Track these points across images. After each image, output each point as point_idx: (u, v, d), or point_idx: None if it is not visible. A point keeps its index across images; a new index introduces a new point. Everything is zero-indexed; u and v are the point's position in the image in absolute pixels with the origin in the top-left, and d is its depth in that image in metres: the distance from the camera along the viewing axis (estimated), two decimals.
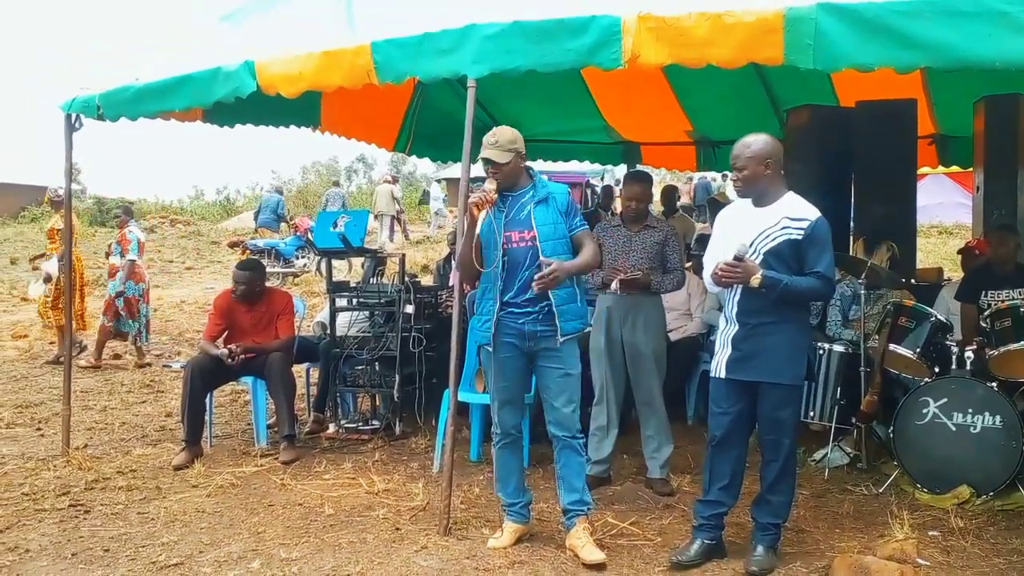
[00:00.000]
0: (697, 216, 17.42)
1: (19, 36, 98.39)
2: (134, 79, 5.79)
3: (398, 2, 5.84)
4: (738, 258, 4.01)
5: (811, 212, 4.07)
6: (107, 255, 10.56)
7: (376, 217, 22.25)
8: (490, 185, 4.27)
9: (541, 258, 4.23)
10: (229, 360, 6.12)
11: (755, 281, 3.97)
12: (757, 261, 4.04)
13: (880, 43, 3.90)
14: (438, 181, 28.66)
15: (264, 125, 7.28)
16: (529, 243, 4.31)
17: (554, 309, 4.28)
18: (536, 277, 4.17)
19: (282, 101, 5.34)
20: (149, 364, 9.79)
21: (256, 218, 21.99)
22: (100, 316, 9.73)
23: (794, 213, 4.06)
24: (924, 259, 13.66)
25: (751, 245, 4.06)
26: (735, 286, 4.11)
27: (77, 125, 6.13)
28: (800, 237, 4.02)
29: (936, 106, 8.37)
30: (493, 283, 4.36)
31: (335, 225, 6.86)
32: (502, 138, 4.30)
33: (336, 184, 29.88)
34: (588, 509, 4.42)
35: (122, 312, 9.57)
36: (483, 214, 4.23)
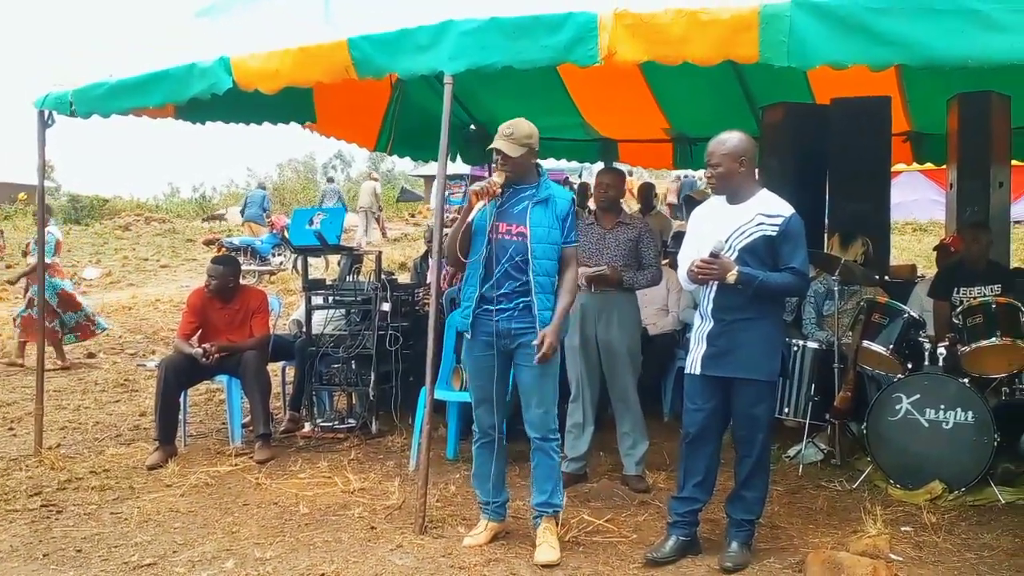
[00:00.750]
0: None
1: None
2: (108, 75, 5.74)
3: None
4: (714, 255, 4.03)
5: (785, 208, 4.09)
6: (24, 254, 10.29)
7: (359, 213, 22.59)
8: (498, 178, 4.24)
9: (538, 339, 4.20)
10: (204, 360, 6.07)
11: (731, 277, 3.99)
12: (732, 258, 4.05)
13: (854, 40, 3.92)
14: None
15: (247, 123, 7.21)
16: (517, 238, 4.24)
17: (534, 311, 4.24)
18: (536, 360, 4.17)
19: (267, 97, 5.31)
20: (68, 368, 9.55)
21: (242, 213, 22.09)
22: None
23: (768, 210, 4.08)
24: (899, 256, 13.79)
25: (726, 242, 4.08)
26: (710, 283, 4.13)
27: (50, 122, 6.06)
28: (775, 233, 4.04)
29: (911, 103, 8.43)
30: (475, 270, 4.33)
31: (311, 223, 6.83)
32: (518, 131, 4.26)
33: (330, 180, 29.84)
34: (554, 511, 4.39)
35: (58, 310, 9.41)
36: (480, 204, 4.20)
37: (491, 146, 4.31)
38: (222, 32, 6.03)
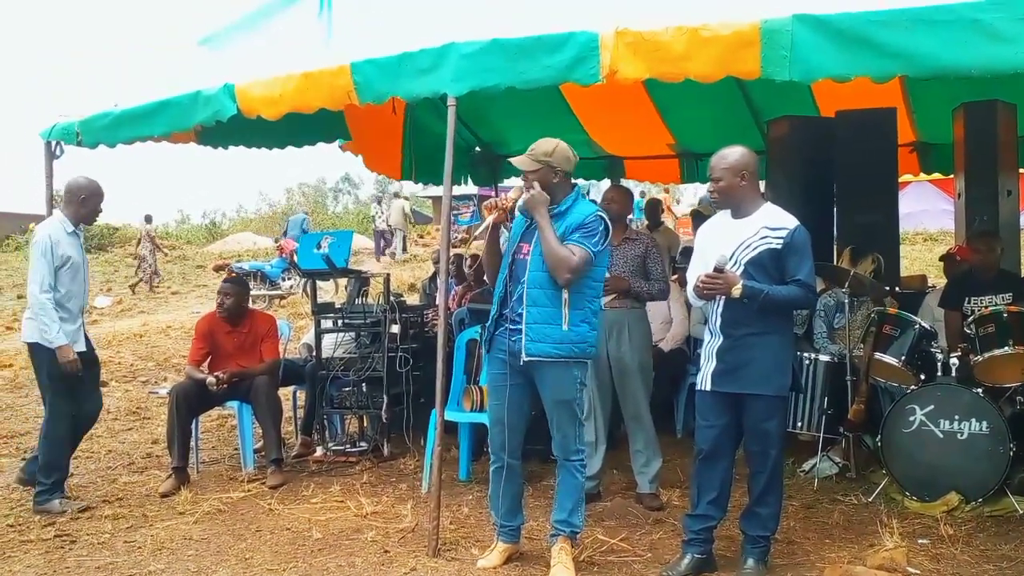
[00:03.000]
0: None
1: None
2: (113, 105, 5.78)
3: (377, 22, 5.83)
4: (718, 269, 4.02)
5: (789, 221, 4.08)
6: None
7: (392, 232, 24.49)
8: (514, 194, 4.25)
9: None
10: (214, 388, 6.07)
11: (736, 291, 3.97)
12: (738, 272, 4.04)
13: (856, 53, 3.91)
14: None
15: (274, 147, 7.30)
16: (526, 257, 4.22)
17: (522, 325, 4.16)
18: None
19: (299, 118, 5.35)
20: None
21: (284, 235, 22.50)
22: None
23: (772, 223, 4.07)
24: (910, 266, 13.73)
25: (731, 256, 4.07)
26: (717, 298, 4.11)
27: (58, 152, 6.11)
28: (779, 246, 4.03)
29: (916, 114, 8.42)
30: (497, 291, 4.33)
31: (319, 246, 6.85)
32: (538, 148, 4.29)
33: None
34: (572, 531, 4.32)
35: None
36: (490, 218, 4.19)
37: (510, 159, 4.33)
38: (225, 59, 6.07)
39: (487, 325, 4.37)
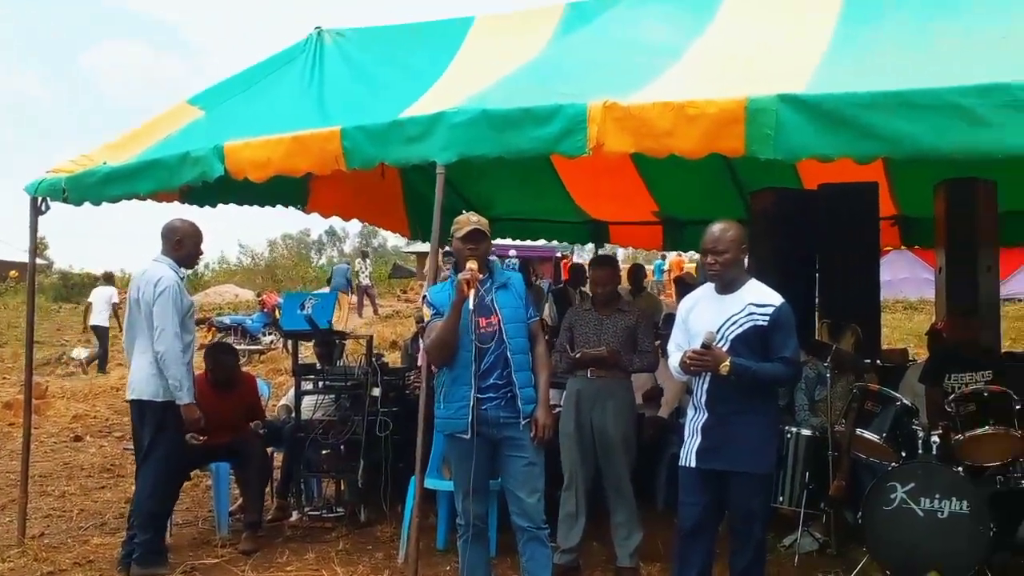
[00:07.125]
0: None
1: None
2: (101, 162, 5.78)
3: (367, 88, 5.88)
4: (706, 346, 4.01)
5: (775, 298, 4.10)
6: None
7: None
8: (473, 264, 4.25)
9: (527, 422, 4.32)
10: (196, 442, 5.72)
11: (724, 369, 3.97)
12: (725, 348, 4.04)
13: (839, 134, 3.97)
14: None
15: (248, 205, 7.37)
16: (495, 328, 4.31)
17: (516, 392, 4.29)
18: (535, 441, 4.31)
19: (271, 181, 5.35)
20: None
21: (328, 283, 22.47)
22: None
23: (759, 299, 4.09)
24: (890, 335, 13.80)
25: (718, 332, 4.07)
26: (703, 373, 4.11)
27: (43, 208, 6.08)
28: (765, 323, 4.04)
29: (897, 188, 8.51)
30: (466, 369, 4.29)
31: (302, 307, 6.81)
32: (482, 220, 4.41)
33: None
34: None
35: None
36: (472, 293, 4.19)
37: (469, 229, 4.30)
38: (214, 120, 6.09)
39: (464, 406, 4.28)
